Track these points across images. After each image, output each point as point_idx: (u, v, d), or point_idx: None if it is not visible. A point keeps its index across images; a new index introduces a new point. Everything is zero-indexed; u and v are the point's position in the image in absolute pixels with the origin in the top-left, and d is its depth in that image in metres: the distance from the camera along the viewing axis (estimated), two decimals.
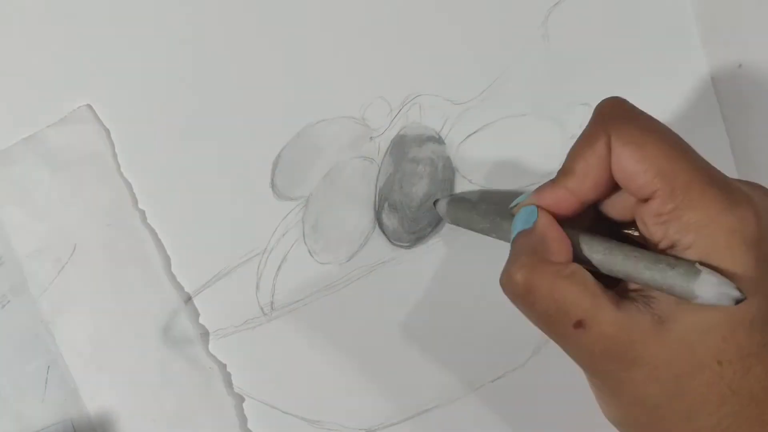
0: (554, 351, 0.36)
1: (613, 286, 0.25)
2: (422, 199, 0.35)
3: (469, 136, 0.36)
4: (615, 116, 0.25)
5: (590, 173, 0.26)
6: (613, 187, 0.26)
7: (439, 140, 0.35)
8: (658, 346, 0.23)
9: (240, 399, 0.35)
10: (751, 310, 0.23)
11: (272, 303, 0.35)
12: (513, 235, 0.27)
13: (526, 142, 0.36)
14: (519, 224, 0.27)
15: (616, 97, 0.26)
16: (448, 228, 0.36)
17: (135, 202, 0.34)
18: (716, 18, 0.36)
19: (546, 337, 0.36)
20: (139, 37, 0.34)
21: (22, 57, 0.34)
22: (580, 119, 0.36)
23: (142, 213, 0.34)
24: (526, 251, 0.26)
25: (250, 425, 0.35)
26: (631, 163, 0.24)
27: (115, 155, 0.34)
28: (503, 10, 0.36)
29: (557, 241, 0.26)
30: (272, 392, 0.35)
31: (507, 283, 0.25)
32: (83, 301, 0.34)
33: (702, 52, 0.36)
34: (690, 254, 0.23)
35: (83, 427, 0.34)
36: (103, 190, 0.34)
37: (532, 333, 0.36)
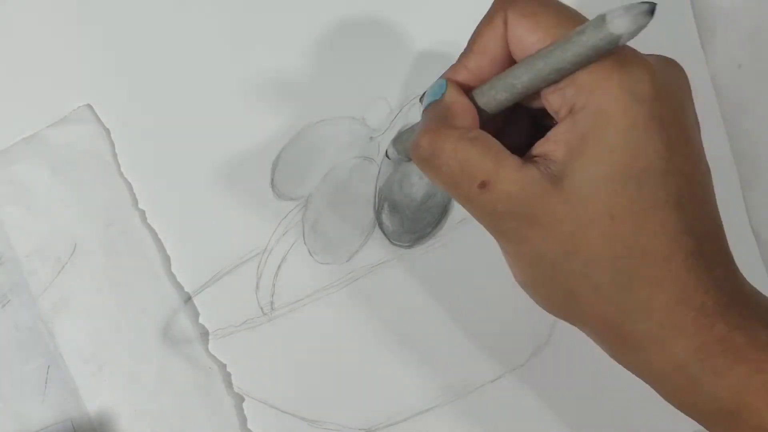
0: (554, 351, 0.36)
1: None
2: (422, 199, 0.35)
3: None
4: None
5: (488, 50, 0.26)
6: (510, 64, 0.27)
7: None
8: (554, 203, 0.24)
9: (240, 399, 0.35)
10: (640, 163, 0.23)
11: (272, 303, 0.35)
12: (423, 107, 0.28)
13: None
14: (429, 97, 0.28)
15: None
16: (448, 228, 0.36)
17: (135, 202, 0.34)
18: (716, 18, 0.36)
19: (546, 337, 0.36)
20: (140, 37, 0.35)
21: (22, 57, 0.34)
22: None
23: (142, 213, 0.34)
24: (433, 118, 0.26)
25: (249, 425, 0.35)
26: (526, 33, 0.25)
27: (115, 155, 0.34)
28: None
29: (462, 109, 0.26)
30: (272, 392, 0.35)
31: (414, 148, 0.26)
32: (83, 301, 0.34)
33: (702, 52, 0.36)
34: (584, 115, 0.24)
35: (83, 427, 0.34)
36: (103, 190, 0.34)
37: (532, 333, 0.36)
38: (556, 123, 0.25)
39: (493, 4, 0.27)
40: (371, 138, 0.35)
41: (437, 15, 0.35)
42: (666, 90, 0.24)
